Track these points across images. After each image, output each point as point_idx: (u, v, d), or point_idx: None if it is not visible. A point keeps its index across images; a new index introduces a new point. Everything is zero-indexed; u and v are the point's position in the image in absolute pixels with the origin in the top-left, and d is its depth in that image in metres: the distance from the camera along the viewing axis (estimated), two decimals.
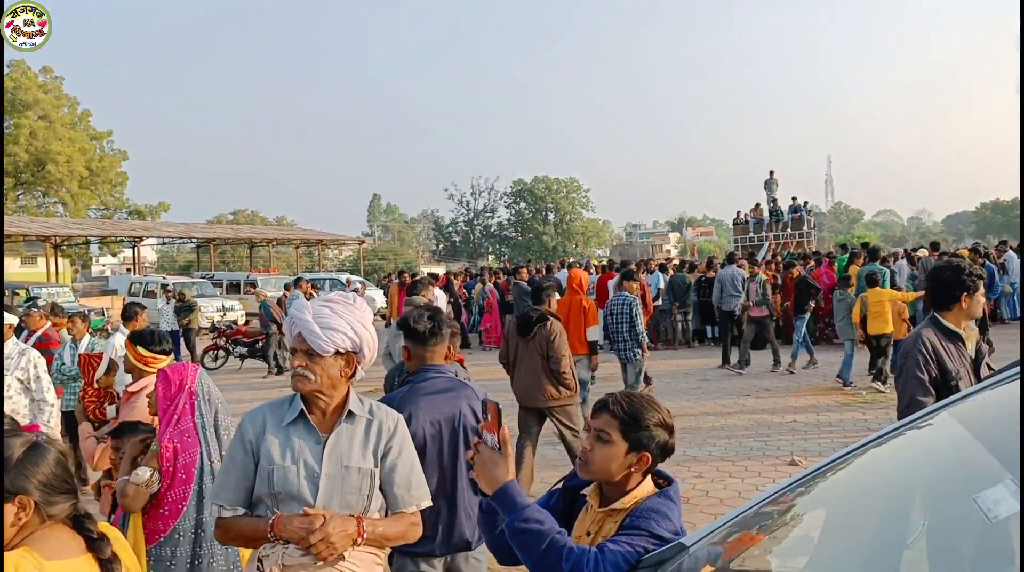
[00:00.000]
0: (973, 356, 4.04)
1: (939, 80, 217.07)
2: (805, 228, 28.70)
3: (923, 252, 17.45)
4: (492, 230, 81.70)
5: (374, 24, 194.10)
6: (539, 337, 6.94)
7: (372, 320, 2.79)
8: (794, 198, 29.50)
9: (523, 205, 79.55)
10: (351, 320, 2.61)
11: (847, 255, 17.59)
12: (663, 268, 18.85)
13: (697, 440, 8.81)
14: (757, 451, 8.23)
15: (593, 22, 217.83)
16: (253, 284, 28.08)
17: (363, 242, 53.55)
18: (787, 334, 15.02)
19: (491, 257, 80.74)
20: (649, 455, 2.17)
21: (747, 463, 7.83)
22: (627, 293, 9.49)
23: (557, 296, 7.74)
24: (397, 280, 18.05)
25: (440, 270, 53.41)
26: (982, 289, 4.10)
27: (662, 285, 17.21)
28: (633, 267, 15.31)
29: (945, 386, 3.90)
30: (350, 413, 2.63)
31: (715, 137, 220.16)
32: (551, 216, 78.96)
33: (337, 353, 2.58)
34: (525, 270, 16.62)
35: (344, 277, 32.11)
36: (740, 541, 1.99)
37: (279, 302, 16.72)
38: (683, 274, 17.89)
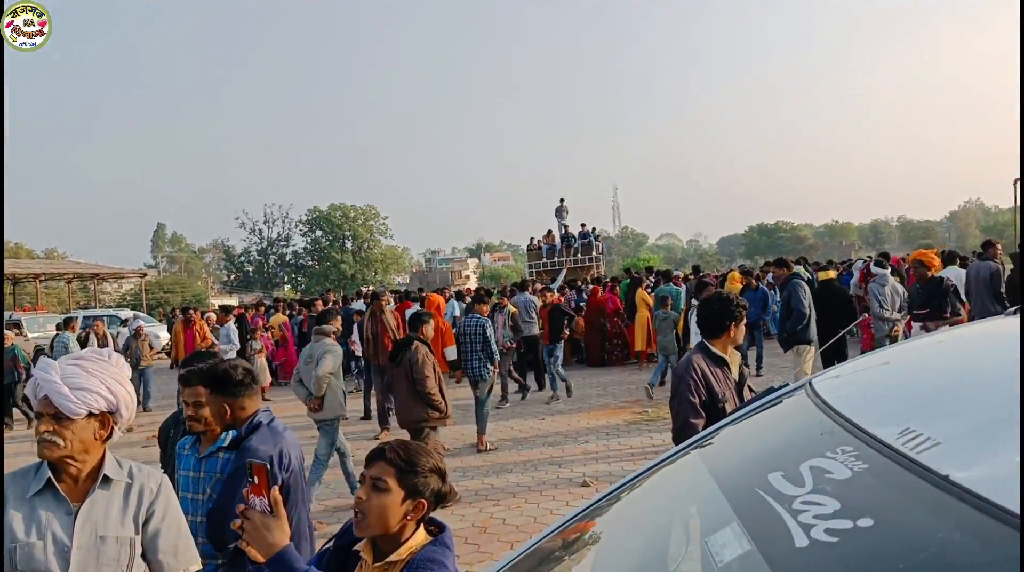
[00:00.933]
0: (737, 379, 4.40)
1: (707, 117, 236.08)
2: (595, 253, 30.21)
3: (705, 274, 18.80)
4: (288, 259, 79.44)
5: (158, 45, 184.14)
6: (405, 361, 7.40)
7: (130, 375, 2.61)
8: (583, 224, 31.07)
9: (319, 233, 78.05)
10: (105, 378, 2.42)
11: (629, 280, 18.52)
12: (459, 296, 19.11)
13: (495, 468, 8.94)
14: (552, 475, 8.46)
15: (382, 51, 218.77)
16: (17, 325, 25.56)
17: (145, 274, 50.31)
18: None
19: (287, 287, 78.44)
20: (425, 502, 2.19)
21: (543, 488, 8.03)
22: (478, 315, 10.26)
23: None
24: (181, 316, 17.04)
25: (232, 302, 50.98)
26: (745, 318, 4.49)
27: (458, 313, 17.43)
28: (483, 292, 15.54)
29: (713, 408, 4.21)
30: (106, 478, 2.45)
31: (510, 164, 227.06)
32: (349, 244, 77.91)
33: (90, 415, 2.39)
34: (320, 302, 16.21)
35: (124, 314, 30.02)
36: None
37: (51, 346, 15.35)
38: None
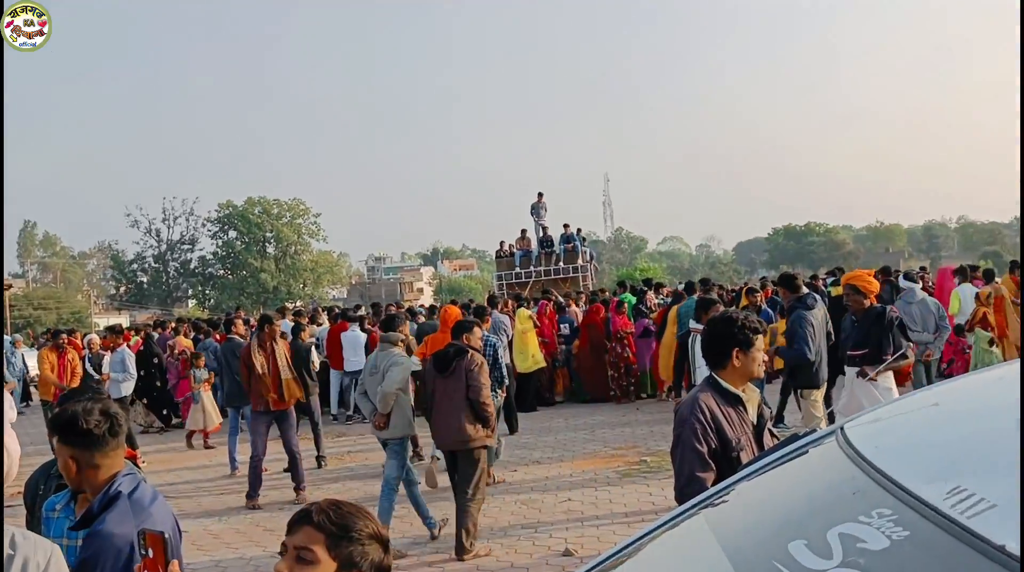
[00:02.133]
0: (755, 421, 4.41)
1: (724, 96, 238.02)
2: (580, 260, 30.13)
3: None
4: (193, 267, 78.72)
5: None
6: (459, 371, 8.02)
7: (15, 419, 2.60)
8: (566, 225, 31.16)
9: (234, 234, 77.37)
10: None
11: (628, 294, 18.46)
12: (412, 313, 19.07)
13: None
14: (527, 542, 8.45)
15: (311, 19, 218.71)
16: None
17: (10, 286, 49.69)
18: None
19: (192, 302, 77.63)
20: None
21: (514, 557, 8.02)
22: (485, 333, 10.65)
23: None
24: (51, 341, 16.69)
25: (122, 321, 49.63)
26: (760, 344, 4.47)
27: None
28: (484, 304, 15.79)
29: (725, 458, 4.21)
30: None
31: (475, 152, 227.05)
32: (271, 248, 77.30)
33: None
34: (239, 322, 15.74)
35: None
36: None
37: None
38: (434, 321, 18.10)
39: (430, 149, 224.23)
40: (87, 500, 3.35)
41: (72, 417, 3.21)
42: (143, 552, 2.02)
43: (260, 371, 11.05)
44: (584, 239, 31.93)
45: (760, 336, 4.44)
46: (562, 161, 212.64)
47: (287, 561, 2.17)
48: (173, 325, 21.59)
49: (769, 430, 4.50)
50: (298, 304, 45.10)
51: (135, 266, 79.16)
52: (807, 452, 1.88)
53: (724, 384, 4.39)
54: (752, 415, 4.42)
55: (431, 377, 8.26)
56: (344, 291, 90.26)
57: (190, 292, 79.21)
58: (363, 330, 17.03)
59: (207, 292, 77.67)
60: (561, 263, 29.95)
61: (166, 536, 2.03)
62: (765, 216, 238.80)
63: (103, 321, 57.56)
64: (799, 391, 9.66)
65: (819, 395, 9.53)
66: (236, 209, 77.24)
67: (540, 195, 31.11)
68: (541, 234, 30.89)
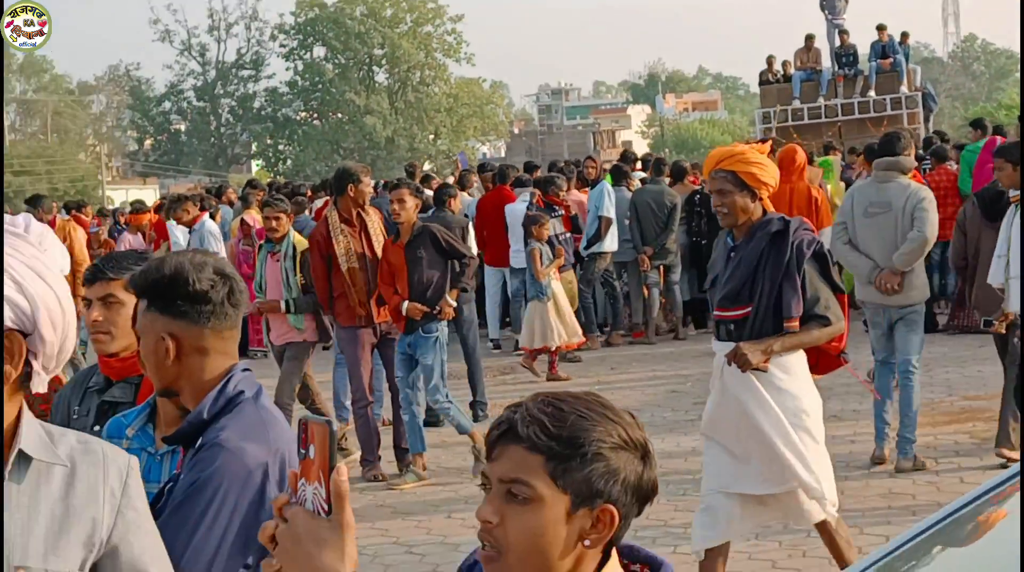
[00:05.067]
0: None
1: None
2: (906, 87, 23.80)
3: None
4: (258, 107, 67.70)
5: None
6: None
7: (62, 268, 2.82)
8: (882, 28, 23.79)
9: (321, 52, 65.44)
10: (17, 266, 2.08)
11: (981, 142, 14.12)
12: (617, 175, 15.10)
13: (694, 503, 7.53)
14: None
15: None
16: None
17: None
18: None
19: (256, 164, 68.32)
20: (613, 509, 1.93)
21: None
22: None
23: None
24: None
25: (148, 195, 41.66)
26: None
27: (609, 211, 13.64)
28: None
29: None
30: (24, 458, 2.12)
31: None
32: (382, 75, 65.93)
33: None
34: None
35: None
36: None
37: None
38: (659, 187, 14.29)
39: None
40: (177, 411, 3.05)
41: (176, 271, 2.85)
42: (302, 452, 1.65)
43: (347, 265, 9.39)
44: (908, 53, 24.68)
45: None
46: None
47: (492, 501, 1.95)
48: (233, 195, 18.27)
49: None
50: (426, 167, 35.67)
51: (167, 105, 68.80)
52: None
53: None
54: None
55: (973, 223, 7.81)
56: (502, 146, 76.87)
57: (253, 147, 68.59)
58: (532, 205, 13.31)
59: (280, 147, 65.89)
60: (872, 93, 23.51)
61: (333, 428, 1.68)
62: None
63: (120, 194, 52.97)
64: None
65: None
66: (325, 10, 64.25)
67: None
68: (838, 43, 24.30)
